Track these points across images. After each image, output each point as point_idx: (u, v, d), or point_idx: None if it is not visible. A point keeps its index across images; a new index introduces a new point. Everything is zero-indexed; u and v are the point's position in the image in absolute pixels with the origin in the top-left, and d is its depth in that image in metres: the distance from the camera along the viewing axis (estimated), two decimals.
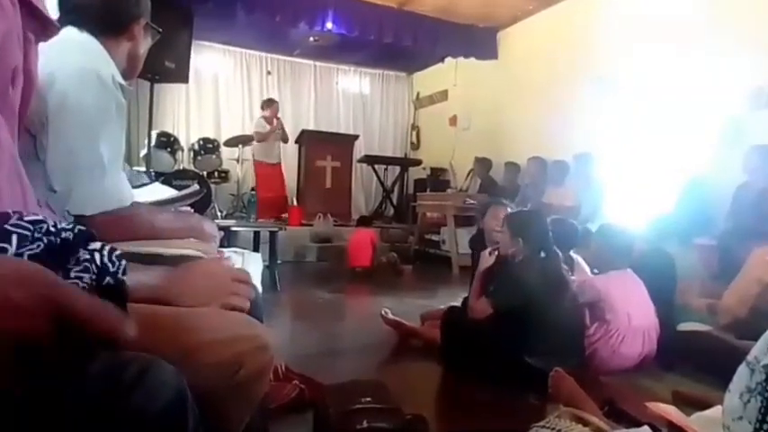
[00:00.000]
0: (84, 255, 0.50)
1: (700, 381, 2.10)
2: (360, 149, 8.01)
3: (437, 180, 7.55)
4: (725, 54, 4.05)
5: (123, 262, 0.52)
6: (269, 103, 6.96)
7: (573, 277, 2.58)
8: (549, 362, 1.92)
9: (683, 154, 4.51)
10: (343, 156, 7.34)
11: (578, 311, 2.38)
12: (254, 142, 6.87)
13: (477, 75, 7.18)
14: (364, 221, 5.83)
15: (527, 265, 2.34)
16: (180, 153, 6.46)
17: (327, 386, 1.79)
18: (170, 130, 6.81)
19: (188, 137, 7.46)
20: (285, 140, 7.06)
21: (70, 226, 0.54)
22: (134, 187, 1.36)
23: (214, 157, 6.80)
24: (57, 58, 1.02)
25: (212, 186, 6.32)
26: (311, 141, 7.21)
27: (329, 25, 5.91)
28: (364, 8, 6.06)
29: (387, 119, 9.34)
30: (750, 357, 0.74)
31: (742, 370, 0.75)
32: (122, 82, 1.19)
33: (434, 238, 6.40)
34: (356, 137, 7.75)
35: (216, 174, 6.93)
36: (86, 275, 0.54)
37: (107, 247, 0.52)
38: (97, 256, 0.51)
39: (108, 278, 0.50)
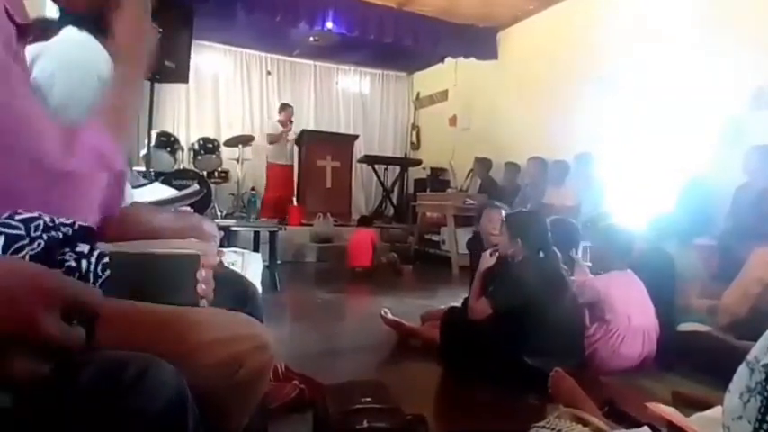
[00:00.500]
0: (70, 258, 0.49)
1: (700, 381, 2.10)
2: (360, 149, 8.02)
3: (437, 180, 7.55)
4: (725, 54, 4.04)
5: (107, 273, 0.50)
6: (283, 108, 7.33)
7: (573, 277, 2.58)
8: (549, 362, 1.93)
9: (683, 154, 4.51)
10: (343, 156, 7.35)
11: (578, 311, 2.38)
12: (267, 144, 7.21)
13: (477, 75, 7.18)
14: (364, 221, 5.84)
15: (526, 266, 2.34)
16: (180, 153, 6.45)
17: (327, 386, 1.79)
18: (170, 130, 6.81)
19: (188, 137, 7.46)
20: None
21: (70, 221, 0.54)
22: (133, 187, 1.36)
23: (214, 156, 6.80)
24: (57, 58, 1.02)
25: (212, 186, 6.31)
26: (311, 141, 7.21)
27: (329, 25, 5.91)
28: (364, 8, 6.07)
29: (387, 119, 9.35)
30: (750, 357, 0.74)
31: (742, 370, 0.75)
32: None
33: (434, 238, 6.41)
34: (356, 137, 7.76)
35: (216, 174, 6.93)
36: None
37: (95, 253, 0.50)
38: (84, 263, 0.49)
39: None
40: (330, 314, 3.82)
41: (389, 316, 2.97)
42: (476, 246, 3.26)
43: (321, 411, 1.65)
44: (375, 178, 8.06)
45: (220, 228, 1.48)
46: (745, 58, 3.93)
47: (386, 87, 9.38)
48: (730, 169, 3.78)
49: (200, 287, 0.86)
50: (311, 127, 8.01)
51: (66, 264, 0.48)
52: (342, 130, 8.42)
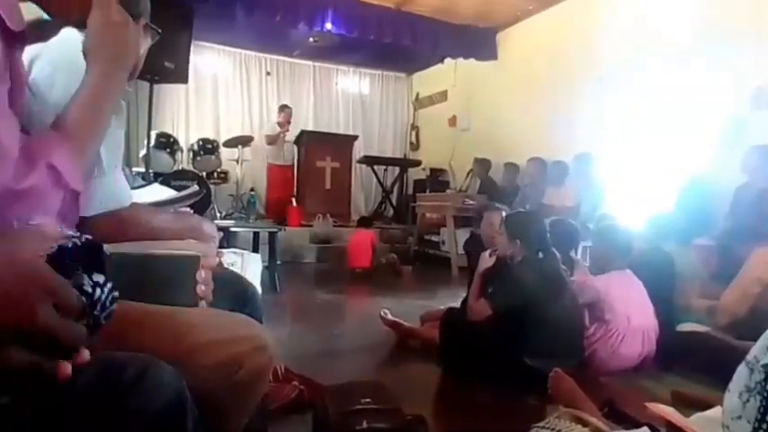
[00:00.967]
0: (87, 284, 0.50)
1: (699, 381, 2.09)
2: (359, 150, 8.02)
3: (436, 181, 7.55)
4: (725, 54, 4.05)
5: (113, 307, 0.52)
6: (282, 108, 7.40)
7: (572, 278, 2.58)
8: (549, 363, 1.93)
9: (682, 154, 4.51)
10: (343, 156, 7.35)
11: (577, 312, 2.38)
12: (266, 145, 7.26)
13: (476, 75, 7.18)
14: (364, 222, 5.83)
15: (525, 266, 2.35)
16: (179, 154, 6.45)
17: (327, 387, 1.79)
18: (169, 131, 6.80)
19: (187, 137, 7.46)
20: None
21: (77, 234, 0.54)
22: (133, 188, 1.36)
23: (213, 157, 6.80)
24: (57, 58, 1.02)
25: (211, 187, 6.31)
26: (310, 142, 7.21)
27: (328, 26, 5.91)
28: (363, 8, 6.06)
29: (386, 119, 9.34)
30: (749, 357, 0.74)
31: (741, 369, 0.75)
32: None
33: (434, 238, 6.41)
34: (355, 137, 7.76)
35: (215, 174, 6.93)
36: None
37: (108, 286, 0.52)
38: (98, 291, 0.51)
39: (92, 318, 0.50)
40: (330, 315, 3.82)
41: (389, 317, 2.97)
42: (473, 247, 3.27)
43: (321, 412, 1.65)
44: (374, 179, 8.06)
45: (220, 228, 1.48)
46: (745, 58, 3.93)
47: (385, 88, 9.38)
48: (730, 169, 3.78)
49: (200, 288, 0.86)
50: (311, 127, 8.01)
51: (84, 288, 0.49)
52: (341, 131, 8.41)
